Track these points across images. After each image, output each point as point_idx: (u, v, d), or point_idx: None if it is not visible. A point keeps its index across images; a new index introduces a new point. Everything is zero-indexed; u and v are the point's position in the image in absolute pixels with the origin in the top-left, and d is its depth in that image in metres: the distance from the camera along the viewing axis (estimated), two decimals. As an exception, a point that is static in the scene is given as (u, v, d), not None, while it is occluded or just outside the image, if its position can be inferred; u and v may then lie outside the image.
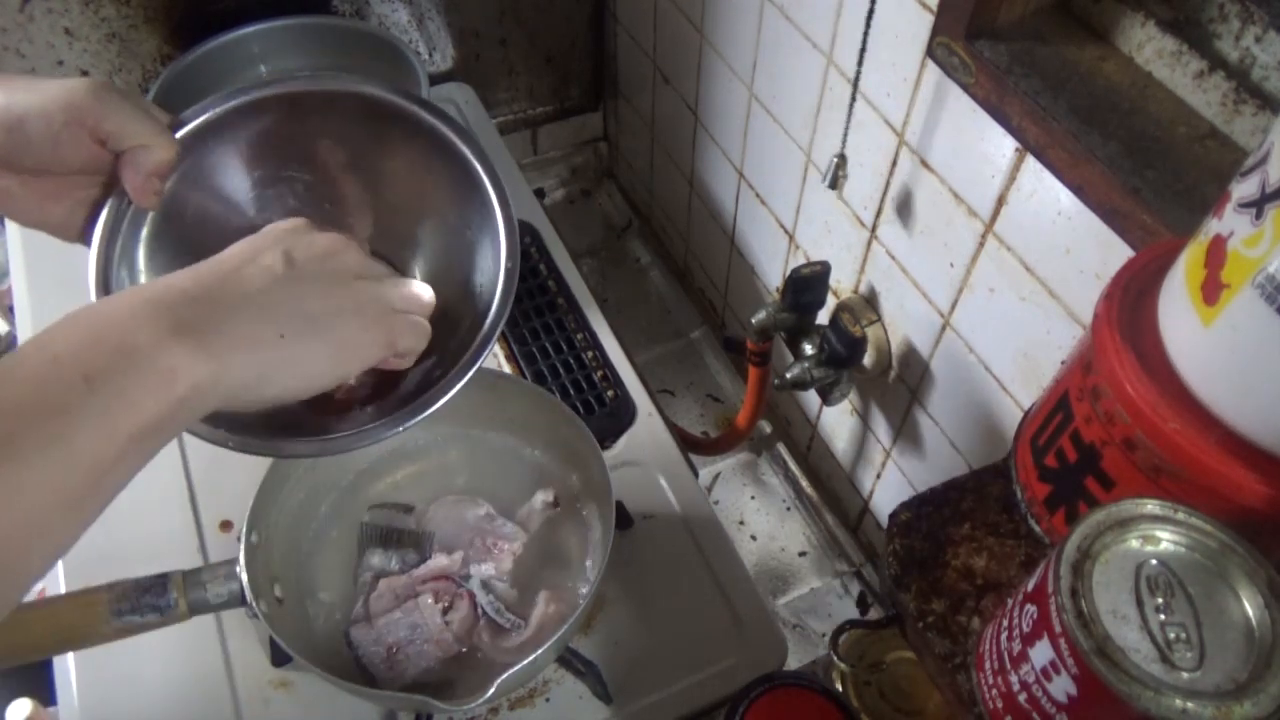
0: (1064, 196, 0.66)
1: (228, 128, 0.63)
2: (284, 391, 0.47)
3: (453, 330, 0.62)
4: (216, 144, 0.64)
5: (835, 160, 0.85)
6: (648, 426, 0.91)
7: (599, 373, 0.93)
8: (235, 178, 0.65)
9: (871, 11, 0.76)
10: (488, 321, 0.61)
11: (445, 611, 0.71)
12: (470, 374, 0.58)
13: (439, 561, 0.73)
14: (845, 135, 0.85)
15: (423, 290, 0.56)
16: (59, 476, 0.38)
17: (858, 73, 0.80)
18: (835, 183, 0.86)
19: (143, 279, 0.60)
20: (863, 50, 0.79)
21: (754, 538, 1.28)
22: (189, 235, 0.63)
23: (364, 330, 0.50)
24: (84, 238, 0.59)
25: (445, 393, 0.58)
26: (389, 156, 0.66)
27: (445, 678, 0.70)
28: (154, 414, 0.40)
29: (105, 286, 0.58)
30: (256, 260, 0.48)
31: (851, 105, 0.82)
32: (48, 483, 0.38)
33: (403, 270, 0.68)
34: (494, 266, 0.63)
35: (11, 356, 0.40)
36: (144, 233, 0.61)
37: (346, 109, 0.65)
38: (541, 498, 0.77)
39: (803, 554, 1.27)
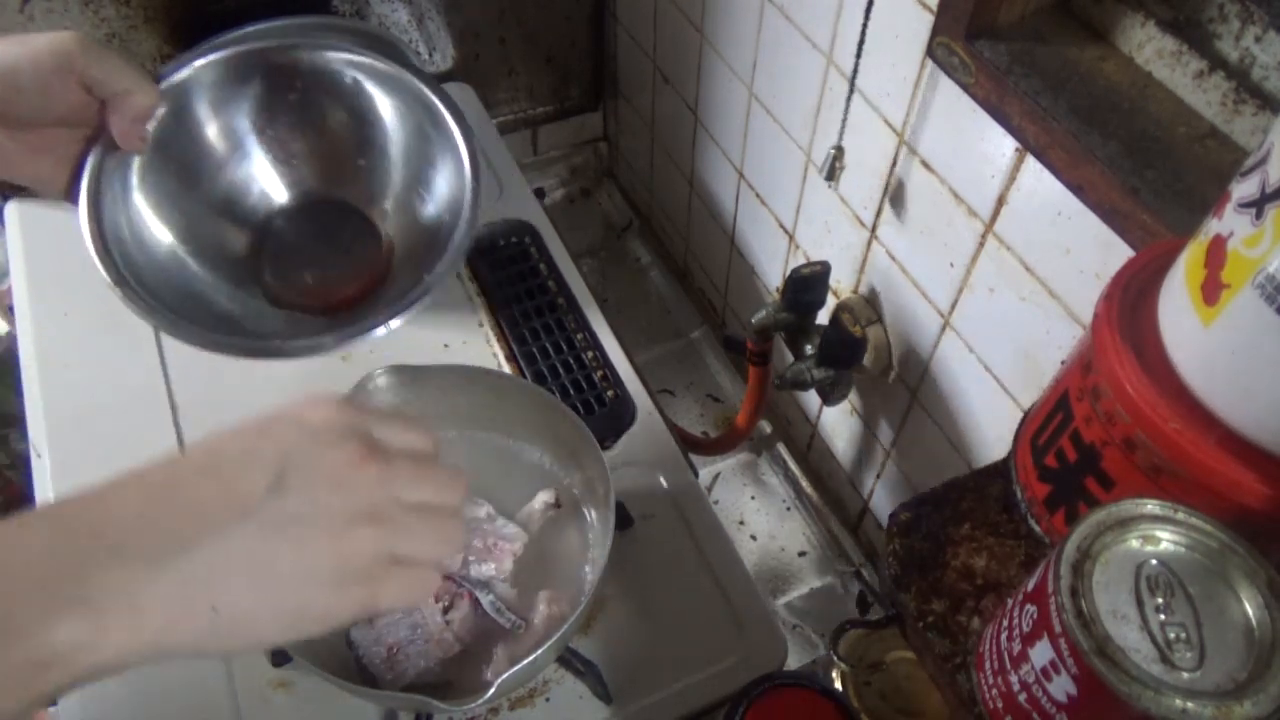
0: (1064, 196, 0.66)
1: (208, 81, 0.70)
2: (226, 652, 0.41)
3: (422, 264, 0.68)
4: (196, 96, 0.70)
5: (833, 152, 0.85)
6: (648, 426, 0.91)
7: (599, 373, 0.93)
8: (213, 128, 0.71)
9: (870, 6, 0.76)
10: (452, 243, 0.67)
11: (445, 611, 0.71)
12: (421, 303, 0.65)
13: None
14: (843, 128, 0.85)
15: (445, 531, 0.45)
16: None
17: (855, 66, 0.80)
18: (833, 174, 0.86)
19: (139, 201, 0.67)
20: (861, 42, 0.78)
21: (754, 538, 1.28)
22: (174, 179, 0.70)
23: (334, 594, 0.40)
24: (69, 194, 0.64)
25: (393, 316, 0.65)
26: (357, 107, 0.73)
27: (445, 678, 0.70)
28: (17, 705, 0.34)
29: (98, 220, 0.64)
30: (243, 473, 0.39)
31: (850, 98, 0.82)
32: None
33: (372, 210, 0.77)
34: (459, 200, 0.70)
35: None
36: (134, 179, 0.68)
37: (316, 64, 0.72)
38: (543, 498, 0.77)
39: (803, 554, 1.27)
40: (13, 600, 0.33)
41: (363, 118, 0.74)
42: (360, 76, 0.73)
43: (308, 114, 0.74)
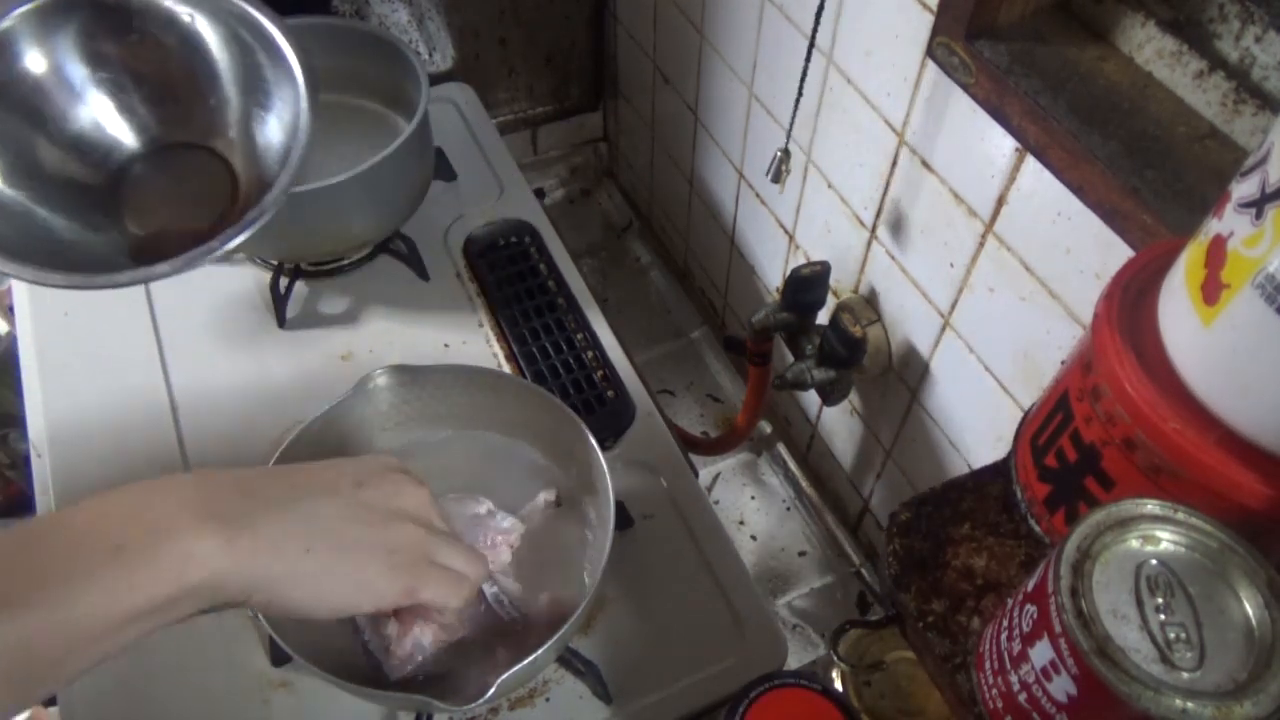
0: (1064, 196, 0.66)
1: (35, 27, 0.70)
2: (298, 607, 0.49)
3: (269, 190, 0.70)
4: (24, 43, 0.70)
5: (779, 154, 0.84)
6: (648, 426, 0.91)
7: (599, 373, 0.93)
8: (49, 75, 0.72)
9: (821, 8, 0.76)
10: (288, 164, 0.69)
11: None
12: (258, 223, 0.67)
13: None
14: (790, 129, 0.84)
15: (475, 558, 0.59)
16: (45, 639, 0.40)
17: (803, 76, 0.80)
18: (778, 177, 0.86)
19: None
20: (810, 52, 0.78)
21: (754, 538, 1.28)
22: (14, 128, 0.71)
23: (388, 570, 0.52)
24: None
25: (231, 238, 0.67)
26: (193, 43, 0.74)
27: (447, 671, 0.70)
28: (159, 596, 0.43)
29: None
30: (335, 474, 0.53)
31: (798, 101, 0.81)
32: (33, 642, 0.40)
33: (224, 147, 0.77)
34: (297, 120, 0.71)
35: (76, 508, 0.44)
36: None
37: (148, 4, 0.72)
38: (544, 497, 0.77)
39: (803, 554, 1.27)
40: (172, 518, 0.45)
41: (200, 54, 0.74)
42: (192, 10, 0.73)
43: (147, 55, 0.74)
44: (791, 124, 0.84)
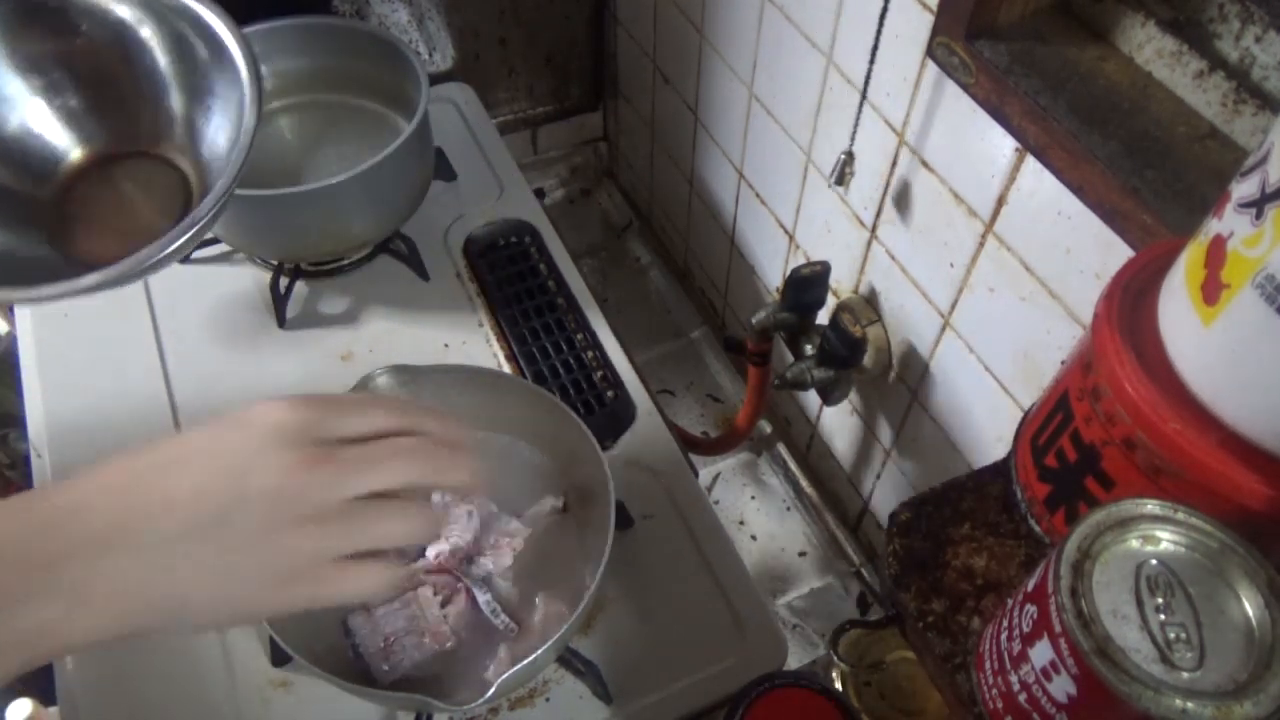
0: (1064, 196, 0.66)
1: None
2: (175, 635, 0.45)
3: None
4: None
5: (843, 157, 0.85)
6: (648, 426, 0.91)
7: (599, 373, 0.93)
8: None
9: (885, 12, 0.76)
10: (228, 166, 0.65)
11: (444, 605, 0.71)
12: (201, 225, 0.63)
13: (440, 547, 0.73)
14: (854, 132, 0.84)
15: (405, 519, 0.45)
16: None
17: (868, 72, 0.80)
18: (842, 179, 0.86)
19: None
20: (874, 51, 0.78)
21: (754, 538, 1.28)
22: None
23: (278, 589, 0.42)
24: None
25: (178, 237, 0.62)
26: (138, 48, 0.71)
27: (441, 672, 0.70)
28: (7, 672, 0.38)
29: None
30: (199, 474, 0.42)
31: (862, 105, 0.82)
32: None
33: (174, 152, 0.74)
34: (240, 122, 0.67)
35: None
36: None
37: (90, 7, 0.69)
38: (550, 503, 0.77)
39: (803, 554, 1.27)
40: (12, 578, 0.36)
41: (141, 54, 0.72)
42: (130, 8, 0.70)
43: (85, 57, 0.71)
44: (852, 138, 0.84)
